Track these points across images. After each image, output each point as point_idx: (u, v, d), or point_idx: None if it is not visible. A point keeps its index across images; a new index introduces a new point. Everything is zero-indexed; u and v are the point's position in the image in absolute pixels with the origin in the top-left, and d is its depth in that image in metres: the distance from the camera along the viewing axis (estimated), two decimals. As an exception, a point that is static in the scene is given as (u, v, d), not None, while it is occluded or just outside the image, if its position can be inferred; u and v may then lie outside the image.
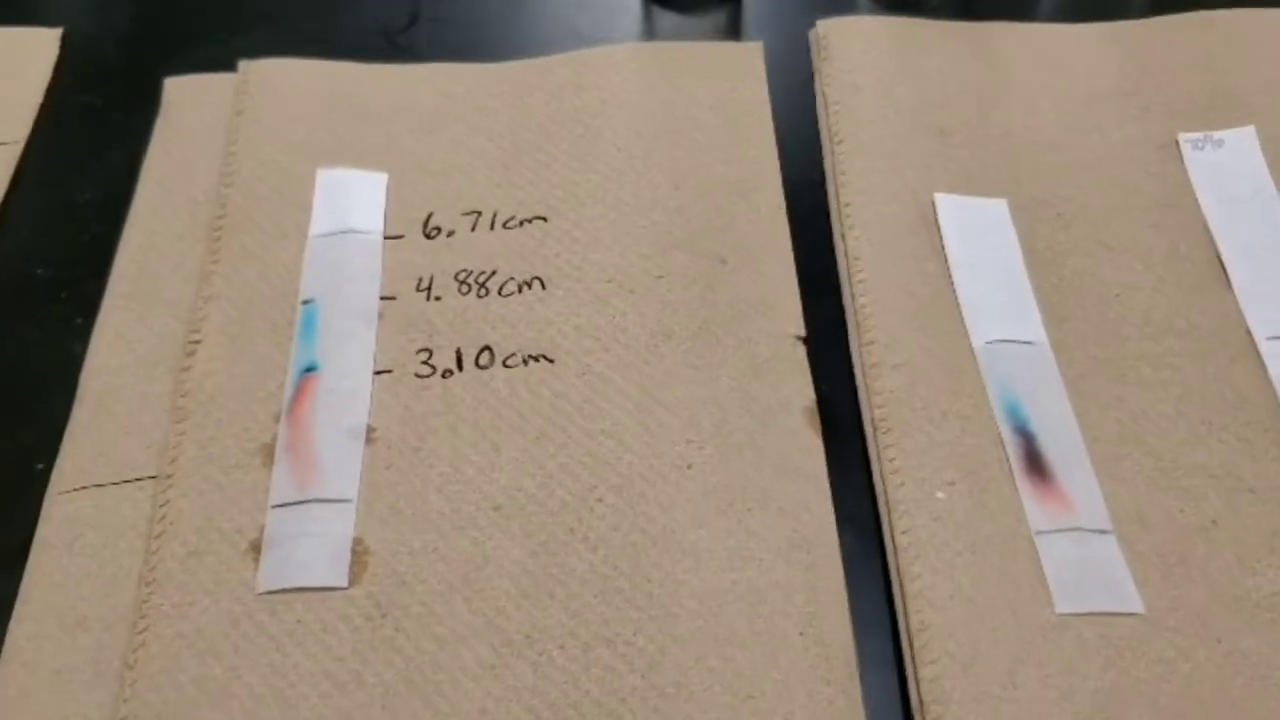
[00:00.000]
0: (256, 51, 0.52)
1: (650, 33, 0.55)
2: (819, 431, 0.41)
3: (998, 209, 0.47)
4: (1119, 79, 0.51)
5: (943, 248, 0.45)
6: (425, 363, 0.43)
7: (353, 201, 0.47)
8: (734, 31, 0.55)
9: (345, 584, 0.38)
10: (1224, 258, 0.45)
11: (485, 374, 0.43)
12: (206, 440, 0.41)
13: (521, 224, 0.47)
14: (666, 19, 0.55)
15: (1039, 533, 0.38)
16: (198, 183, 0.48)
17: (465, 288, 0.45)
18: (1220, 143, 0.49)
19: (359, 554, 0.38)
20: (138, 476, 0.40)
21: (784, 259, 0.46)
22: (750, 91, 0.51)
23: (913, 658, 0.36)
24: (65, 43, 0.54)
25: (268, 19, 0.56)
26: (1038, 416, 0.41)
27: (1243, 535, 0.38)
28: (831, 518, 0.39)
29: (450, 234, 0.47)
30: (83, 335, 0.44)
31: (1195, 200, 0.47)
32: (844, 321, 0.44)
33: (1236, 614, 0.37)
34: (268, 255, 0.46)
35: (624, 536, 0.39)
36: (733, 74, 0.51)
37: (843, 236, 0.46)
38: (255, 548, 0.38)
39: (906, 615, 0.37)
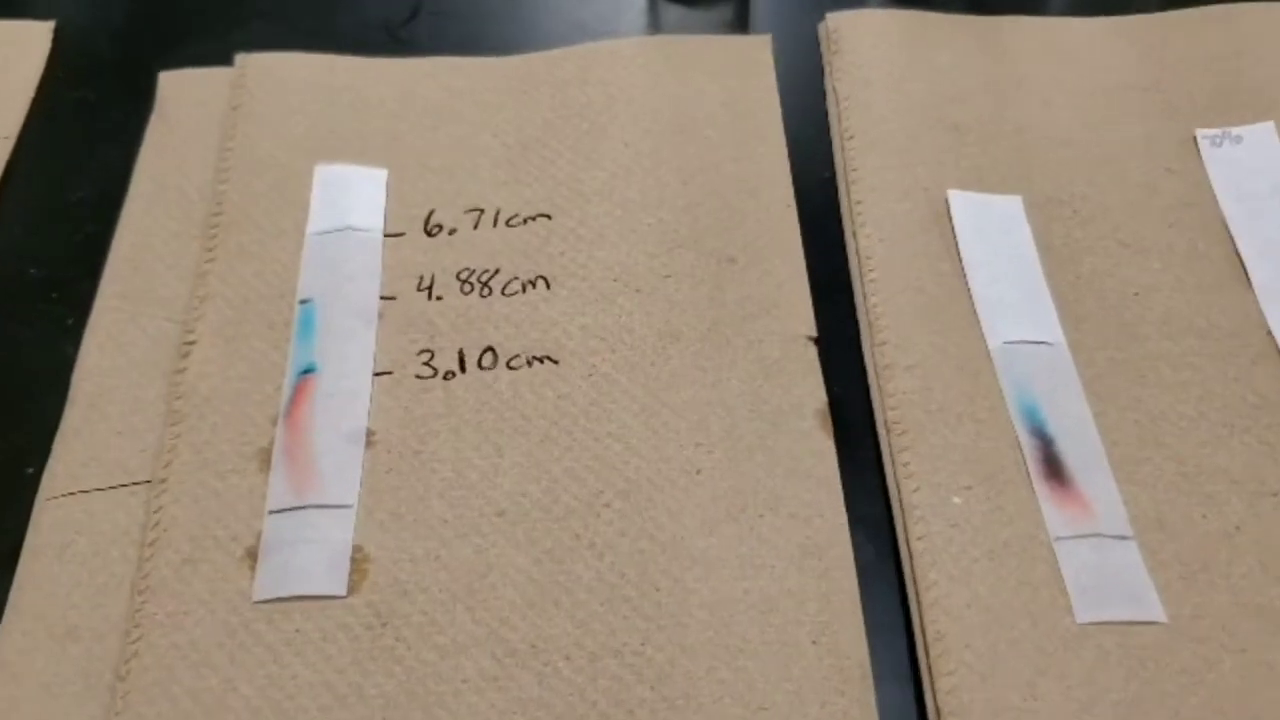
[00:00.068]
0: (254, 45, 0.51)
1: (656, 26, 0.54)
2: (831, 434, 0.40)
3: (1012, 206, 0.46)
4: (1135, 74, 0.50)
5: (956, 246, 0.45)
6: (426, 364, 0.42)
7: (352, 198, 0.46)
8: (741, 25, 0.54)
9: (344, 592, 0.37)
10: (1243, 256, 0.45)
11: (488, 375, 0.42)
12: (201, 444, 0.40)
13: (525, 221, 0.46)
14: (672, 12, 0.55)
15: (1058, 539, 0.38)
16: (193, 180, 0.47)
17: (467, 287, 0.44)
18: (1239, 139, 0.48)
19: (358, 561, 0.38)
20: (131, 481, 0.40)
21: (794, 258, 0.45)
22: (759, 86, 0.50)
23: (929, 668, 0.35)
24: (58, 36, 0.54)
25: (265, 13, 0.55)
26: (1055, 419, 0.40)
27: (1266, 541, 0.38)
28: (844, 523, 0.39)
29: (452, 232, 0.46)
30: (75, 336, 0.43)
31: (1214, 197, 0.46)
32: (856, 321, 0.44)
33: (1262, 623, 0.36)
34: (265, 254, 0.45)
35: (631, 543, 0.38)
36: (741, 68, 0.51)
37: (854, 234, 0.46)
38: (252, 555, 0.38)
39: (922, 624, 0.36)
